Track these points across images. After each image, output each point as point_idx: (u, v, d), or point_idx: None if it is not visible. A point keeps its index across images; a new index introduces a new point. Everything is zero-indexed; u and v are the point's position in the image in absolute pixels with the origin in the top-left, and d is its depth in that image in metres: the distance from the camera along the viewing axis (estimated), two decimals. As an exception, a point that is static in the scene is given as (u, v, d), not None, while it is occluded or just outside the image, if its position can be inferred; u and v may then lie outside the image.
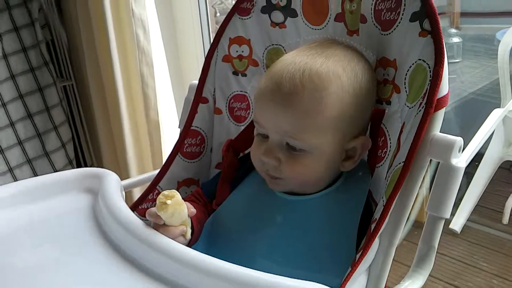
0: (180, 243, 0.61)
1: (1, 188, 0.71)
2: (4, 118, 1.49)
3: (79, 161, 1.70)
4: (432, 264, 0.65)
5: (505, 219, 1.87)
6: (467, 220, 1.86)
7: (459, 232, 1.83)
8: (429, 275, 0.65)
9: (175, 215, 0.62)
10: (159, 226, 0.63)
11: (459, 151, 0.62)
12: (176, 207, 0.62)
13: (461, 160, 0.62)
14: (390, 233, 0.65)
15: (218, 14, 1.98)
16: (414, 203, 0.65)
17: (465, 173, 0.63)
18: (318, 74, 0.66)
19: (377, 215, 0.64)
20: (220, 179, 0.80)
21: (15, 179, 1.52)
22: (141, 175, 0.93)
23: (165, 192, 0.62)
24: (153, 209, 0.64)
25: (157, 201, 0.62)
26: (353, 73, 0.69)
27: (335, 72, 0.67)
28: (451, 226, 1.84)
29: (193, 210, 0.67)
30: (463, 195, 1.88)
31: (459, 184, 0.62)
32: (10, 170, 1.52)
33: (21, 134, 1.54)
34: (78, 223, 0.68)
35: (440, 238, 0.65)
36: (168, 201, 0.61)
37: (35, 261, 0.61)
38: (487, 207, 1.96)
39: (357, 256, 0.63)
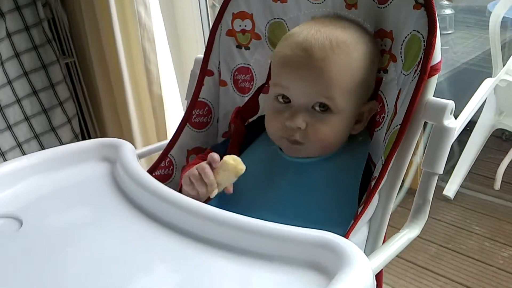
0: (200, 197, 0.70)
1: (29, 156, 0.77)
2: (10, 95, 1.53)
3: (84, 136, 1.75)
4: (427, 215, 0.71)
5: (497, 185, 1.93)
6: (460, 186, 1.91)
7: (452, 198, 1.88)
8: (424, 238, 0.70)
9: (225, 176, 0.70)
10: (200, 170, 0.71)
11: (450, 113, 0.68)
12: (232, 176, 0.70)
13: (452, 121, 0.68)
14: (388, 189, 0.71)
15: (213, -13, 1.99)
16: (408, 172, 0.70)
17: (458, 140, 0.68)
18: (343, 42, 0.73)
19: (376, 173, 0.70)
20: (229, 145, 0.85)
21: (24, 153, 1.57)
22: (153, 144, 0.98)
23: (240, 165, 0.70)
24: (217, 156, 0.71)
25: (228, 158, 0.70)
26: (366, 42, 0.75)
27: (356, 40, 0.74)
28: (445, 192, 1.89)
29: (231, 190, 0.73)
30: (456, 162, 1.93)
31: (451, 143, 0.68)
32: (19, 145, 1.57)
33: (28, 110, 1.58)
34: (101, 187, 0.73)
35: (434, 204, 0.71)
36: (241, 167, 0.70)
37: (69, 221, 0.67)
38: (479, 174, 2.02)
39: (359, 210, 0.70)
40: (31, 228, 0.65)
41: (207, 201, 0.77)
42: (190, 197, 0.72)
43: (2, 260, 0.60)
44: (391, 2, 0.75)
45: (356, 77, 0.74)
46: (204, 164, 0.73)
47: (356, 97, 0.75)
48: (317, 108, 0.74)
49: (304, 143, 0.76)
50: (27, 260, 0.60)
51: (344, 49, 0.73)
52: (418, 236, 0.70)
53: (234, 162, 0.71)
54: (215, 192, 0.72)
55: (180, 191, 0.78)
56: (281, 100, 0.76)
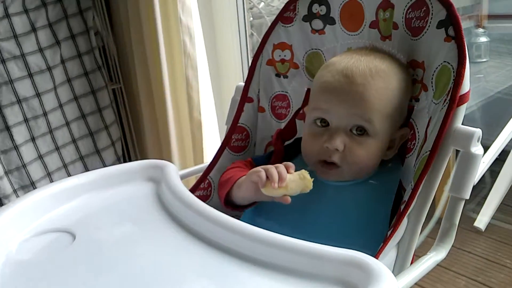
0: (264, 185, 0.72)
1: (81, 176, 0.82)
2: (61, 118, 1.61)
3: (125, 159, 1.82)
4: (453, 239, 0.73)
5: (529, 218, 1.90)
6: (492, 218, 1.86)
7: (483, 230, 1.83)
8: (453, 271, 0.71)
9: (294, 184, 0.72)
10: (276, 166, 0.74)
11: (477, 140, 0.70)
12: (299, 188, 0.73)
13: (479, 148, 0.70)
14: (417, 213, 0.74)
15: (251, 18, 2.07)
16: (439, 201, 0.71)
17: (490, 171, 0.70)
18: (382, 70, 0.78)
19: (406, 197, 0.73)
20: (271, 163, 0.89)
21: (69, 174, 1.65)
22: (193, 167, 1.03)
23: (311, 184, 0.73)
24: (292, 165, 0.75)
25: (304, 173, 0.73)
26: (401, 73, 0.80)
27: (393, 69, 0.79)
28: (476, 224, 1.84)
29: (289, 200, 0.73)
30: (488, 193, 1.88)
31: (477, 169, 0.70)
32: (65, 166, 1.65)
33: (75, 133, 1.66)
34: (147, 205, 0.78)
35: (465, 235, 0.72)
36: (310, 186, 0.72)
37: (118, 236, 0.71)
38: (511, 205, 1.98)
39: (388, 233, 0.72)
40: (83, 242, 0.70)
41: (249, 207, 0.82)
42: (247, 189, 0.77)
43: (58, 270, 0.65)
44: (423, 35, 0.79)
45: (393, 103, 0.78)
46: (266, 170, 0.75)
47: (392, 123, 0.79)
48: (354, 131, 0.77)
49: (339, 167, 0.78)
50: (80, 270, 0.64)
51: (383, 76, 0.77)
52: (447, 268, 0.71)
53: (309, 178, 0.73)
54: (279, 192, 0.73)
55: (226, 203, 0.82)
56: (319, 124, 0.80)
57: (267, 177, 0.73)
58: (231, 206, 0.84)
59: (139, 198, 0.80)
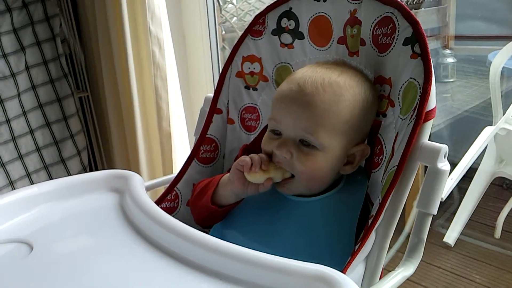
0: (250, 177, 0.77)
1: (41, 185, 0.80)
2: (24, 125, 1.57)
3: (91, 169, 1.78)
4: (421, 254, 0.73)
5: (497, 234, 1.94)
6: (461, 234, 1.92)
7: (452, 245, 1.89)
8: (424, 285, 0.71)
9: (273, 172, 0.78)
10: (260, 156, 0.79)
11: (444, 156, 0.71)
12: (279, 174, 0.78)
13: (446, 164, 0.71)
14: (385, 228, 0.74)
15: (223, 32, 2.07)
16: (409, 216, 0.71)
17: (458, 187, 0.71)
18: (336, 83, 0.77)
19: (373, 212, 0.73)
20: None
21: (32, 183, 1.59)
22: (160, 177, 1.01)
23: (278, 175, 0.78)
24: (264, 157, 0.79)
25: (275, 168, 0.78)
26: (362, 88, 0.79)
27: (350, 83, 0.78)
28: (445, 239, 1.90)
29: (269, 186, 0.78)
30: (457, 209, 1.94)
31: (444, 185, 0.71)
32: (28, 175, 1.60)
33: (40, 141, 1.62)
34: (109, 217, 0.76)
35: (435, 250, 0.73)
36: (287, 171, 0.78)
37: (77, 247, 0.69)
38: (480, 221, 2.03)
39: (356, 247, 0.72)
40: (41, 253, 0.67)
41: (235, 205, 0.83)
42: (237, 181, 0.79)
43: (12, 282, 0.62)
44: (390, 51, 0.80)
45: (344, 117, 0.77)
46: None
47: (343, 138, 0.78)
48: (304, 142, 0.77)
49: (291, 180, 0.78)
50: (36, 283, 0.62)
51: (336, 89, 0.76)
52: (417, 283, 0.71)
53: (276, 171, 0.78)
54: (262, 176, 0.77)
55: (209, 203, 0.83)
56: (276, 132, 0.80)
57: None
58: (217, 206, 0.83)
59: (101, 209, 0.78)
